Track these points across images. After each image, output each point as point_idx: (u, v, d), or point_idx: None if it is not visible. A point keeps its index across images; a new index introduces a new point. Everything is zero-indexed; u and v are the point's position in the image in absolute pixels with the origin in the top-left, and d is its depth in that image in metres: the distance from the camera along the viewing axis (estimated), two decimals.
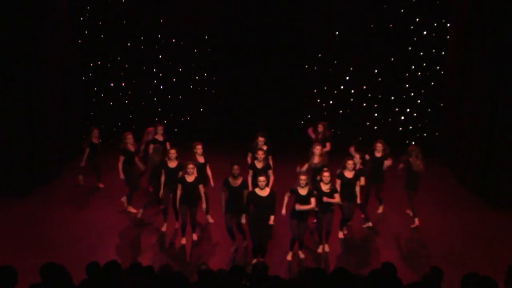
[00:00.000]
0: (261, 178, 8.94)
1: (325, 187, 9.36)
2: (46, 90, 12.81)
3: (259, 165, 10.16)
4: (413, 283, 5.28)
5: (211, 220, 10.83)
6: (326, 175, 9.38)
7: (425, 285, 5.65)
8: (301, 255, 9.59)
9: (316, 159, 10.58)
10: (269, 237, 9.15)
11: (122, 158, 11.17)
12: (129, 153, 11.20)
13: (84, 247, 9.83)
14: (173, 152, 10.17)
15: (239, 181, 9.39)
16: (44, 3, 12.62)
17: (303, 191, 9.10)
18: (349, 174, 9.91)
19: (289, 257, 9.51)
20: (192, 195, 9.70)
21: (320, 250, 9.78)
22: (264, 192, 8.93)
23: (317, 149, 10.58)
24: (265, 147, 10.82)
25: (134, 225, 10.87)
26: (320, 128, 11.87)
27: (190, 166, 9.61)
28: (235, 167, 9.33)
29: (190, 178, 9.61)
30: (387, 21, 15.37)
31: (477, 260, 9.38)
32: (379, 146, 10.85)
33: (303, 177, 9.12)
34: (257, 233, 9.03)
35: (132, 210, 11.22)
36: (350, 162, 9.88)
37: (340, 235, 10.27)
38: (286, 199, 9.35)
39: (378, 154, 10.83)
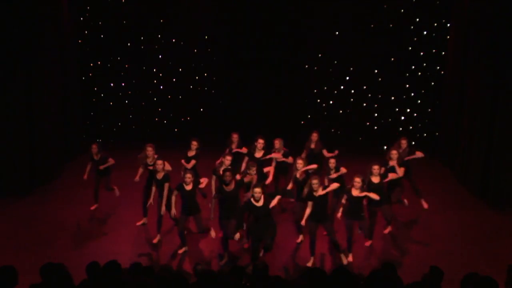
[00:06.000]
0: (257, 190, 8.75)
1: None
2: (46, 90, 12.82)
3: (246, 178, 9.82)
4: (413, 283, 5.28)
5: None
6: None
7: (425, 285, 5.65)
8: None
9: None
10: (272, 240, 8.98)
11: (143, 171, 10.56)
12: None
13: (84, 247, 9.85)
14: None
15: (232, 185, 9.24)
16: (45, 3, 12.62)
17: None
18: (375, 179, 9.68)
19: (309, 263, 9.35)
20: (192, 204, 9.57)
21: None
22: (260, 202, 8.78)
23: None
24: (262, 152, 10.68)
25: (134, 225, 10.86)
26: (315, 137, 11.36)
27: (188, 175, 9.46)
28: (227, 173, 9.18)
29: (188, 187, 9.51)
30: (387, 21, 15.37)
31: (477, 260, 9.38)
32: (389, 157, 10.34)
33: (315, 181, 9.05)
34: (259, 240, 8.91)
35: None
36: (375, 167, 9.61)
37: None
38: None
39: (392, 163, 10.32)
